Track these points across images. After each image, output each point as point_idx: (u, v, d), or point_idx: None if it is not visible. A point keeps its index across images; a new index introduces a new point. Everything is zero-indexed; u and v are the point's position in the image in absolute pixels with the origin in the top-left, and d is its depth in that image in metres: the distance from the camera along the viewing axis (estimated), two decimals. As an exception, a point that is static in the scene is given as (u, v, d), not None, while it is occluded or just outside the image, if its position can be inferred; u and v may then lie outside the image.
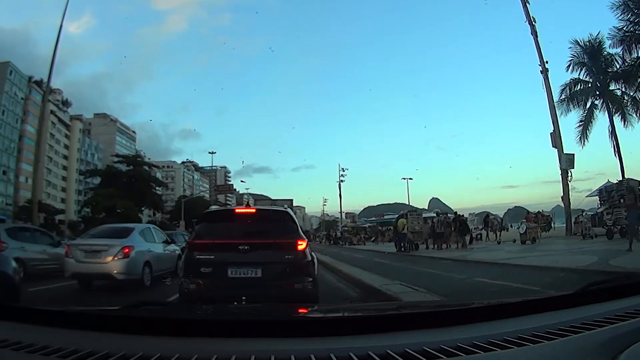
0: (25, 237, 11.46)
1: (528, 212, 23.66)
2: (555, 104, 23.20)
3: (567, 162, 21.60)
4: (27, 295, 6.40)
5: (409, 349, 1.07)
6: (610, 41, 22.69)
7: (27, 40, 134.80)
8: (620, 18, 21.55)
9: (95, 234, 10.43)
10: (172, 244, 11.55)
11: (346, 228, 54.24)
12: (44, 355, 1.08)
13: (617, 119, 23.37)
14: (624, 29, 21.61)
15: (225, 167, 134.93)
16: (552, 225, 25.65)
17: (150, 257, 9.71)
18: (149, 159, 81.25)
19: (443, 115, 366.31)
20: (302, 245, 5.45)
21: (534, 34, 22.64)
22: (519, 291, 6.82)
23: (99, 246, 9.07)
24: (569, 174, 21.72)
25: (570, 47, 24.12)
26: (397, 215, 28.66)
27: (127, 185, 56.77)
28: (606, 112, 23.60)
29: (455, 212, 21.56)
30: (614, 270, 7.79)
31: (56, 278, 10.86)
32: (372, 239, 42.04)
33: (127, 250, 8.92)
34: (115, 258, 8.78)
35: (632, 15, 21.29)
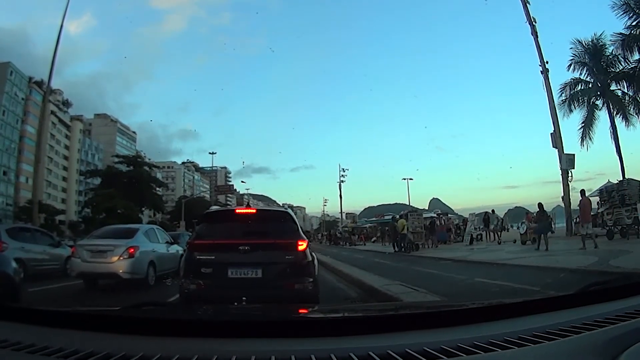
0: (26, 238, 11.46)
1: (527, 212, 23.63)
2: (556, 104, 23.18)
3: (567, 162, 21.56)
4: (28, 296, 6.42)
5: (409, 349, 1.07)
6: (612, 46, 22.76)
7: (26, 40, 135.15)
8: (622, 20, 21.57)
9: (101, 234, 10.58)
10: (175, 244, 11.61)
11: (347, 228, 54.23)
12: (44, 356, 1.08)
13: (618, 119, 23.37)
14: (626, 33, 21.64)
15: (225, 168, 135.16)
16: (553, 225, 25.58)
17: (154, 257, 9.87)
18: (149, 159, 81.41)
19: (443, 115, 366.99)
20: (302, 245, 5.44)
21: (535, 34, 22.60)
22: (520, 291, 6.82)
23: (105, 246, 9.24)
24: (570, 174, 21.68)
25: (571, 47, 24.11)
26: (392, 217, 28.80)
27: (128, 185, 56.84)
28: (607, 112, 23.61)
29: (435, 216, 23.23)
30: (614, 271, 7.79)
31: (56, 278, 10.94)
32: (373, 239, 42.02)
33: (132, 250, 9.11)
34: (121, 258, 8.97)
35: (633, 15, 21.28)
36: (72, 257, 9.58)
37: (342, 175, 58.44)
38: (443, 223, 28.34)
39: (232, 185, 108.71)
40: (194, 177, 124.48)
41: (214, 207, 9.02)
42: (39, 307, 1.52)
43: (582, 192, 15.40)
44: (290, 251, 5.35)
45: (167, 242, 11.32)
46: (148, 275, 9.40)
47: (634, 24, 21.45)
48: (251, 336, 1.21)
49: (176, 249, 11.40)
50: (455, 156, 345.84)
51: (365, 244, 38.60)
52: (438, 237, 24.71)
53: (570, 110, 24.01)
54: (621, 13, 21.56)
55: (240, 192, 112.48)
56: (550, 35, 73.37)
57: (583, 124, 23.97)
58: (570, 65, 24.28)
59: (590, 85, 24.14)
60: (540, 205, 15.94)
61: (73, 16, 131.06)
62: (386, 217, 44.12)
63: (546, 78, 22.68)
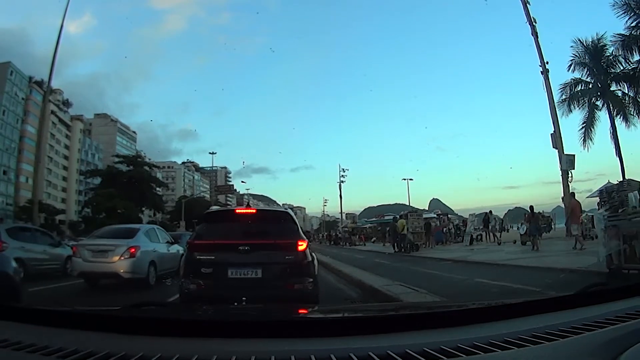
0: (26, 237, 11.48)
1: (525, 213, 23.69)
2: (556, 104, 23.17)
3: (567, 163, 21.55)
4: (28, 296, 6.42)
5: (409, 350, 1.07)
6: (613, 47, 22.75)
7: (26, 40, 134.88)
8: (622, 21, 21.54)
9: (102, 234, 10.64)
10: (176, 244, 11.66)
11: (347, 229, 54.22)
12: (44, 355, 1.08)
13: (618, 119, 23.35)
14: (626, 34, 21.65)
15: (225, 168, 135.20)
16: (553, 226, 25.56)
17: (155, 256, 9.94)
18: (149, 159, 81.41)
19: (444, 115, 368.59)
20: (302, 245, 5.44)
21: (535, 34, 22.61)
22: (519, 292, 6.82)
23: (106, 246, 9.31)
24: (570, 175, 21.67)
25: (572, 46, 24.08)
26: (392, 217, 28.97)
27: (128, 185, 56.80)
28: (607, 112, 23.59)
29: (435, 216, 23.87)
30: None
31: (56, 278, 10.97)
32: (373, 239, 42.03)
33: (133, 250, 9.18)
34: (122, 257, 9.04)
35: (633, 15, 21.26)
36: (74, 257, 9.69)
37: (342, 176, 58.22)
38: (439, 224, 28.53)
39: (232, 185, 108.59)
40: (194, 177, 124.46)
41: (214, 207, 9.04)
42: (39, 306, 1.52)
43: (572, 194, 16.11)
44: (290, 251, 5.35)
45: (167, 242, 11.37)
46: (149, 275, 9.46)
47: (633, 24, 21.45)
48: (251, 336, 1.21)
49: (177, 248, 11.43)
50: (455, 156, 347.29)
51: (365, 244, 38.58)
52: (435, 237, 24.92)
53: (570, 111, 24.01)
54: (621, 13, 21.56)
55: (240, 192, 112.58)
56: (551, 35, 73.35)
57: (584, 125, 23.95)
58: (570, 65, 24.27)
59: (590, 86, 24.13)
60: (531, 207, 16.96)
61: (73, 16, 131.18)
62: (386, 218, 44.15)
63: (546, 78, 22.68)
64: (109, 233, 10.53)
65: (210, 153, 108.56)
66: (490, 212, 24.62)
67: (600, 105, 23.93)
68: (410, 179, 60.05)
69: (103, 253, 9.15)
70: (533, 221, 16.38)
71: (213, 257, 5.21)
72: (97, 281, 9.49)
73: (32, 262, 10.56)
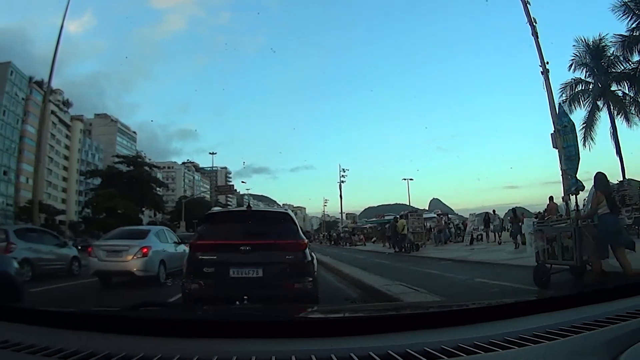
0: (33, 238, 11.68)
1: (509, 216, 23.78)
2: (557, 104, 23.14)
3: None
4: (31, 296, 6.48)
5: (409, 350, 1.07)
6: (613, 47, 22.74)
7: (26, 40, 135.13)
8: (623, 22, 21.55)
9: (115, 235, 11.12)
10: (182, 244, 11.86)
11: (347, 229, 54.20)
12: (45, 356, 1.08)
13: (618, 119, 23.35)
14: (627, 35, 21.65)
15: (225, 168, 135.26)
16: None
17: (164, 256, 10.44)
18: (149, 159, 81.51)
19: (444, 115, 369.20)
20: (302, 245, 5.52)
21: (535, 34, 22.57)
22: (520, 291, 6.82)
23: (120, 246, 9.85)
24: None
25: (574, 45, 24.05)
26: (392, 217, 29.02)
27: (128, 185, 56.88)
28: (607, 112, 23.58)
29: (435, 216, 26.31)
30: (614, 271, 7.78)
31: (63, 278, 11.19)
32: (373, 239, 42.05)
33: (145, 250, 9.75)
34: (135, 257, 9.60)
35: (633, 16, 21.27)
36: (89, 257, 10.19)
37: (342, 176, 58.26)
38: (436, 224, 28.58)
39: (233, 185, 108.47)
40: (194, 177, 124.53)
41: (216, 208, 9.20)
42: (40, 307, 1.53)
43: (551, 198, 16.46)
44: (291, 251, 5.41)
45: (175, 242, 11.80)
46: (159, 273, 9.92)
47: (634, 25, 21.46)
48: (251, 336, 1.21)
49: (183, 248, 11.65)
50: (455, 156, 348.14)
51: (365, 244, 38.59)
52: (433, 238, 25.03)
53: (571, 111, 24.00)
54: (621, 15, 21.58)
55: (241, 193, 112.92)
56: (551, 35, 73.04)
57: (584, 125, 23.96)
58: (571, 65, 24.28)
59: (591, 86, 24.13)
60: (513, 209, 18.69)
61: (73, 16, 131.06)
62: (386, 218, 44.11)
63: (546, 78, 22.54)
64: (121, 234, 11.00)
65: (210, 153, 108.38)
66: (494, 211, 24.59)
67: (601, 105, 23.94)
68: (411, 179, 60.18)
69: (117, 253, 9.67)
70: (514, 222, 17.51)
71: (215, 257, 5.28)
72: (111, 279, 9.92)
73: (39, 263, 10.88)
